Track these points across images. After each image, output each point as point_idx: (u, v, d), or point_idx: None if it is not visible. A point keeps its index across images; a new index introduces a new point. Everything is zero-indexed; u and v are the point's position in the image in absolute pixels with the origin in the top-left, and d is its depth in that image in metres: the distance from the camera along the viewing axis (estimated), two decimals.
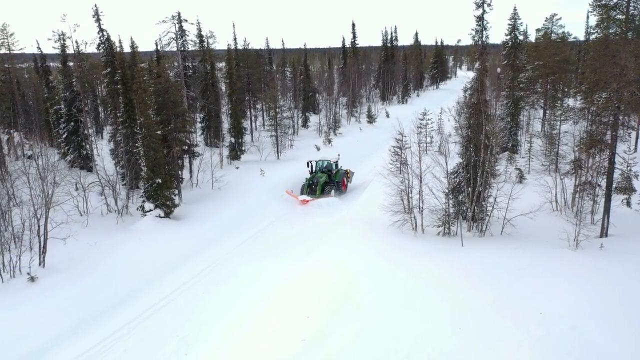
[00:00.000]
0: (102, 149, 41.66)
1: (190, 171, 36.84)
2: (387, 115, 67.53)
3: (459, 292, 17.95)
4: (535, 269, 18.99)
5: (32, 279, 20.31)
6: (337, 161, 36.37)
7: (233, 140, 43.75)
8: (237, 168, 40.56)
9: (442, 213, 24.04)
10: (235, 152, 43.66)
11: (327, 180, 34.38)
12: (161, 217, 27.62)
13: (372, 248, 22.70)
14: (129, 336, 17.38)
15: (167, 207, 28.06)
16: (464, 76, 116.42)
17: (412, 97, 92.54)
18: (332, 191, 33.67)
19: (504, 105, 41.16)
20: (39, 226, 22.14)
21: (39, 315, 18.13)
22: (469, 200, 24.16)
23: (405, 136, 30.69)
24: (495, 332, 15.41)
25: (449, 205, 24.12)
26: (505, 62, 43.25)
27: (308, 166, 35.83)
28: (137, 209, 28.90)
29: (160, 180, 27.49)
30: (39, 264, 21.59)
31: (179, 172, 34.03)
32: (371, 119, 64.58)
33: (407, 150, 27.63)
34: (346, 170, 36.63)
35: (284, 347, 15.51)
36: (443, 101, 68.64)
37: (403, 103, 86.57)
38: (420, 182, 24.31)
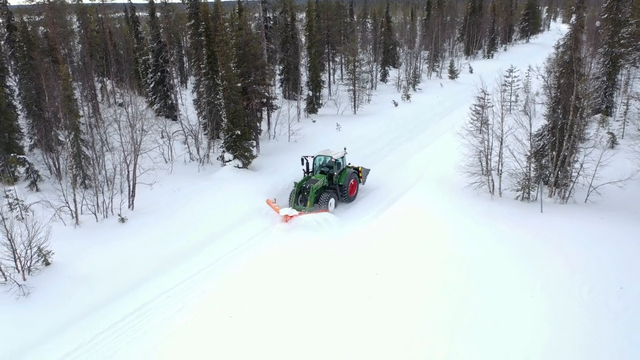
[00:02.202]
0: (186, 99, 43.33)
1: (268, 123, 37.55)
2: (471, 71, 64.60)
3: (535, 260, 17.45)
4: (618, 241, 18.00)
5: (122, 220, 21.99)
6: (343, 157, 26.13)
7: (311, 93, 43.90)
8: (314, 122, 40.82)
9: (522, 177, 23.08)
10: (313, 106, 43.87)
11: (325, 185, 24.94)
12: (239, 168, 28.62)
13: (447, 208, 22.43)
14: (207, 279, 18.54)
15: (245, 158, 28.96)
16: (558, 30, 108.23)
17: (498, 51, 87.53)
18: (332, 201, 24.30)
19: (600, 63, 38.01)
20: (128, 171, 23.72)
21: (128, 253, 19.67)
22: (552, 165, 22.98)
23: (488, 94, 29.38)
24: (570, 303, 14.95)
25: (530, 169, 23.08)
26: (606, 15, 39.57)
27: (302, 163, 26.04)
28: (217, 158, 30.07)
29: (239, 132, 28.31)
30: (128, 207, 23.27)
31: (257, 124, 34.80)
32: (453, 74, 62.09)
33: (489, 110, 26.49)
34: (357, 169, 26.49)
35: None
36: (532, 57, 64.51)
37: (488, 58, 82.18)
38: (501, 143, 23.38)
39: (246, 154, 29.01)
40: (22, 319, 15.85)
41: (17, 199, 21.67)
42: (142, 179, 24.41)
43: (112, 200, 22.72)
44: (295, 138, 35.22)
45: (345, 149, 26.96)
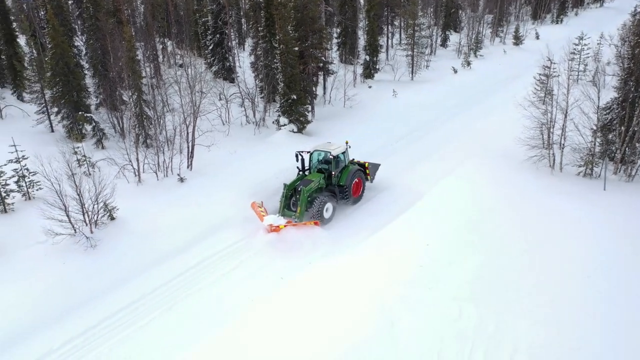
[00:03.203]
0: (244, 62, 43.59)
1: (324, 88, 37.40)
2: (537, 37, 61.44)
3: (594, 240, 16.88)
4: None
5: (182, 179, 22.79)
6: (344, 152, 21.63)
7: (368, 58, 43.20)
8: (370, 87, 40.32)
9: (585, 152, 22.10)
10: (369, 71, 43.23)
11: (321, 185, 20.79)
12: (294, 132, 28.85)
13: (503, 182, 21.87)
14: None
15: (300, 123, 29.13)
16: None
17: (568, 16, 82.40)
18: (328, 206, 19.94)
19: None
20: (187, 133, 24.41)
21: (187, 211, 20.45)
22: (619, 140, 21.84)
23: (554, 63, 27.98)
24: (621, 290, 14.47)
25: (594, 144, 22.04)
26: None
27: (297, 160, 21.61)
28: (273, 122, 30.38)
29: (295, 97, 28.41)
30: (187, 167, 24.06)
31: (313, 89, 34.73)
32: (518, 40, 59.30)
33: (554, 80, 25.28)
34: (363, 164, 22.39)
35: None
36: (606, 23, 60.55)
37: (557, 23, 77.62)
38: (565, 116, 22.37)
39: (301, 118, 29.14)
40: (90, 268, 16.94)
41: (84, 156, 22.82)
42: (200, 141, 25.06)
43: (171, 160, 23.53)
44: (350, 104, 34.98)
45: (347, 142, 21.95)
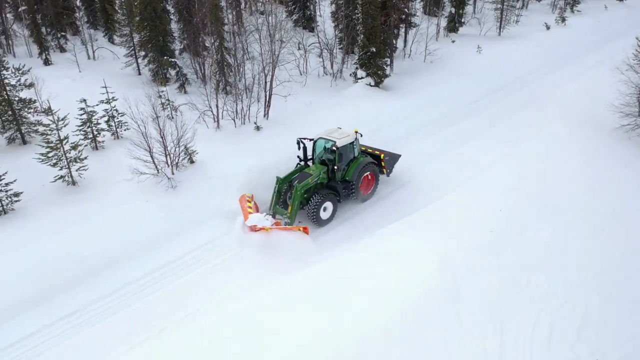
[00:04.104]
0: (324, 11, 42.85)
1: (405, 41, 36.20)
2: None
3: None
4: None
5: (258, 128, 23.27)
6: (353, 142, 18.27)
7: (453, 10, 41.08)
8: (453, 42, 38.59)
9: None
10: (454, 24, 41.19)
11: (322, 181, 17.93)
12: (371, 86, 28.37)
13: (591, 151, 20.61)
14: None
15: (378, 77, 28.56)
16: None
17: None
18: (327, 206, 17.37)
19: None
20: (265, 82, 24.66)
21: (263, 158, 20.88)
22: None
23: None
24: None
25: None
26: None
27: (299, 148, 18.64)
28: (350, 75, 30.00)
29: (374, 49, 27.77)
30: (264, 116, 24.46)
31: (394, 42, 33.73)
32: None
33: None
34: (378, 155, 19.30)
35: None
36: None
37: None
38: None
39: (379, 72, 28.54)
40: (170, 207, 17.90)
41: (168, 100, 23.74)
42: (277, 90, 25.28)
43: (249, 109, 23.98)
44: (431, 58, 33.75)
45: (357, 131, 18.42)
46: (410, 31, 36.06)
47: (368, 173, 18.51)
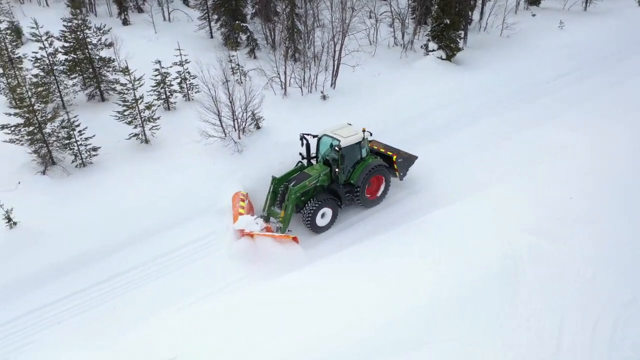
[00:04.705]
0: None
1: (481, 13, 34.66)
2: None
3: None
4: None
5: (324, 97, 23.25)
6: (360, 142, 16.48)
7: None
8: (534, 15, 36.49)
9: None
10: None
11: (323, 184, 16.37)
12: (442, 59, 27.52)
13: None
14: None
15: (450, 50, 27.62)
16: None
17: None
18: (325, 212, 15.91)
19: None
20: (334, 51, 24.46)
21: (331, 122, 20.89)
22: None
23: None
24: None
25: None
26: None
27: (302, 144, 17.00)
28: (421, 47, 29.19)
29: (448, 21, 26.80)
30: (331, 85, 24.37)
31: (469, 13, 32.39)
32: None
33: None
34: (391, 156, 17.39)
35: None
36: None
37: None
38: None
39: (452, 45, 27.57)
40: (236, 169, 18.31)
41: (238, 64, 24.09)
42: (346, 60, 25.03)
43: (316, 77, 23.94)
44: (508, 33, 32.15)
45: (364, 130, 16.49)
46: (487, 3, 34.45)
47: (376, 176, 16.86)
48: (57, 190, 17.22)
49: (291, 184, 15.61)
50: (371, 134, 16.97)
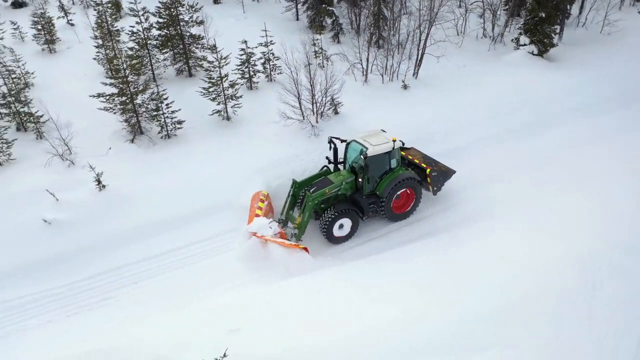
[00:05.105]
0: None
1: (581, 8, 32.52)
2: None
3: None
4: None
5: (405, 86, 22.87)
6: (389, 152, 15.31)
7: None
8: None
9: None
10: None
11: (345, 192, 15.51)
12: (533, 55, 26.20)
13: None
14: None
15: (543, 45, 26.22)
16: None
17: None
18: (343, 222, 15.06)
19: None
20: (419, 40, 23.95)
21: (406, 118, 20.65)
22: None
23: None
24: None
25: None
26: None
27: (330, 148, 16.16)
28: (512, 40, 27.89)
29: (543, 14, 25.41)
30: (413, 75, 23.92)
31: (567, 7, 30.51)
32: None
33: None
34: (425, 168, 16.19)
35: None
36: None
37: None
38: None
39: (545, 40, 26.15)
40: (311, 152, 18.50)
41: (321, 48, 24.18)
42: (431, 50, 24.45)
43: (399, 66, 23.57)
44: (609, 30, 29.99)
45: (395, 140, 15.19)
46: None
47: (405, 189, 15.75)
48: (143, 159, 18.24)
49: (311, 190, 14.96)
50: (403, 144, 16.12)
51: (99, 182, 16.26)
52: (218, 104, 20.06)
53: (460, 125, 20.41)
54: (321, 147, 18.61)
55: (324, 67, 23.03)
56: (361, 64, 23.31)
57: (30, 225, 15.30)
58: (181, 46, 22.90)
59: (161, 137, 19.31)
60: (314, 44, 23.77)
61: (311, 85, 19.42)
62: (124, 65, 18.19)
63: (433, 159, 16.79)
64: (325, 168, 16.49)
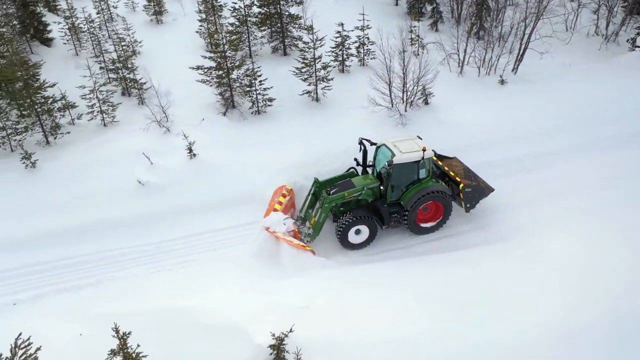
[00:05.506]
0: None
1: None
2: None
3: None
4: None
5: (502, 81, 21.87)
6: (419, 162, 14.41)
7: None
8: None
9: None
10: None
11: (367, 197, 14.76)
12: None
13: None
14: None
15: None
16: None
17: None
18: (360, 229, 14.45)
19: None
20: (523, 33, 22.71)
21: (504, 113, 19.92)
22: None
23: None
24: None
25: None
26: None
27: (360, 149, 15.63)
28: (627, 40, 25.71)
29: None
30: (512, 70, 22.81)
31: None
32: None
33: None
34: (458, 182, 15.11)
35: None
36: None
37: None
38: None
39: None
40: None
41: (418, 36, 23.65)
42: (534, 45, 23.13)
43: (498, 59, 22.53)
44: None
45: (425, 149, 14.18)
46: None
47: (433, 202, 14.83)
48: (233, 132, 18.89)
49: (332, 191, 14.54)
50: (435, 153, 15.41)
51: (190, 150, 17.05)
52: (309, 85, 20.27)
53: (548, 128, 19.31)
54: None
55: (418, 55, 22.52)
56: (458, 55, 22.53)
57: (126, 185, 16.39)
58: (279, 25, 23.28)
59: (252, 113, 19.87)
60: (411, 31, 23.30)
61: (404, 73, 19.12)
62: (224, 41, 18.81)
63: (474, 173, 15.72)
64: (352, 170, 15.99)
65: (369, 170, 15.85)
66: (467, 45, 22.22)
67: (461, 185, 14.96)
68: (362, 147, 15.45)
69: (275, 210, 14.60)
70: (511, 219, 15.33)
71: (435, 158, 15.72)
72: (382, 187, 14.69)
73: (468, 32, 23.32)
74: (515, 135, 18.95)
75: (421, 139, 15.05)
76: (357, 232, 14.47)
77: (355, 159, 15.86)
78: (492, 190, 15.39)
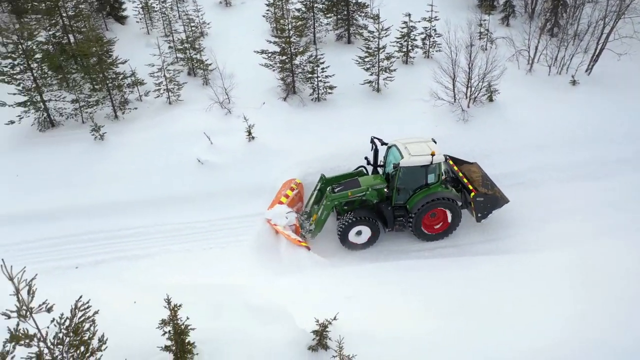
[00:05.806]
0: None
1: None
2: None
3: None
4: None
5: (574, 82, 20.85)
6: (427, 166, 14.02)
7: None
8: None
9: None
10: None
11: (372, 198, 14.59)
12: None
13: None
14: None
15: None
16: None
17: None
18: (361, 230, 14.33)
19: None
20: (602, 33, 21.53)
21: (577, 115, 19.10)
22: None
23: None
24: None
25: None
26: None
27: (371, 149, 15.37)
28: None
29: None
30: (586, 70, 21.66)
31: None
32: None
33: None
34: (471, 191, 14.60)
35: None
36: None
37: None
38: None
39: None
40: (456, 134, 17.84)
41: (487, 30, 22.93)
42: (612, 45, 21.83)
43: (571, 59, 21.46)
44: None
45: (434, 154, 13.75)
46: None
47: (441, 209, 14.43)
48: (292, 117, 19.02)
49: (336, 189, 14.41)
50: (446, 159, 14.87)
51: (249, 133, 17.35)
52: (371, 75, 20.11)
53: (620, 135, 18.32)
54: (468, 134, 17.97)
55: (486, 50, 21.84)
56: (528, 52, 21.66)
57: (186, 163, 16.89)
58: (345, 12, 23.16)
59: (312, 99, 19.95)
60: (481, 25, 22.63)
61: (469, 68, 18.62)
62: (289, 26, 18.92)
63: (492, 182, 15.12)
64: (361, 168, 15.74)
65: (380, 170, 15.61)
66: (539, 41, 21.34)
67: (472, 194, 14.48)
68: (374, 146, 15.23)
69: (281, 203, 14.80)
70: (565, 225, 14.82)
71: (452, 163, 15.48)
72: (387, 189, 14.53)
73: (541, 29, 22.35)
74: (585, 139, 18.13)
75: (435, 142, 14.56)
76: (358, 233, 14.39)
77: (366, 158, 15.65)
78: (507, 201, 14.81)
